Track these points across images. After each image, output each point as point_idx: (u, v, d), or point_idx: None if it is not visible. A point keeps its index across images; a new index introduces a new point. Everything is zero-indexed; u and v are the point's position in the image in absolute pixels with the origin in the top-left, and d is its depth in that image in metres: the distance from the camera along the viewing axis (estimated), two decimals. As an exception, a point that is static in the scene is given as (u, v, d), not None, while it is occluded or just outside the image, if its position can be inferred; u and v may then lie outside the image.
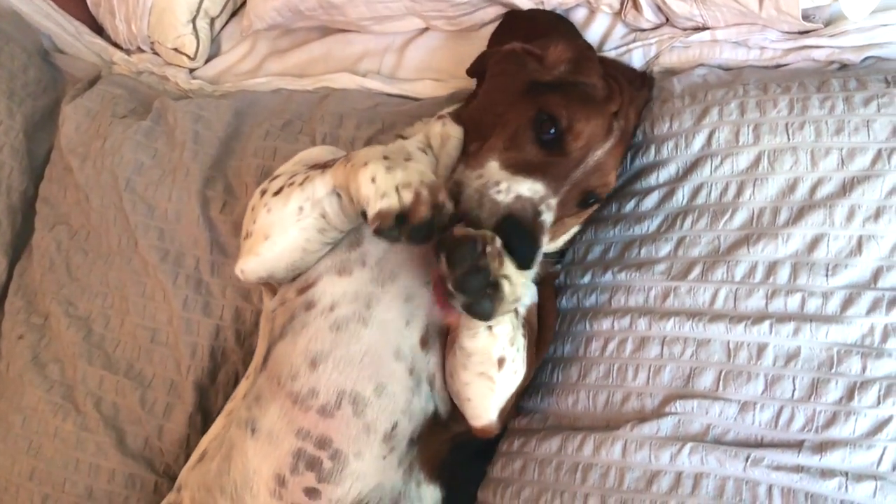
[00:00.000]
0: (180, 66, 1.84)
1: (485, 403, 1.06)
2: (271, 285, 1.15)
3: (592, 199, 1.15)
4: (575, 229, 1.27)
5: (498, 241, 0.92)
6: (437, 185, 0.91)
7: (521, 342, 1.05)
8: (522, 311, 1.07)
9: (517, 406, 1.17)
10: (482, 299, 0.89)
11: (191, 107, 1.58)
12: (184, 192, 1.48)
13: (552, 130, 1.08)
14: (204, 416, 1.38)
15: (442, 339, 1.09)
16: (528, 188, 1.02)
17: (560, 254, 1.28)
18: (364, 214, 0.92)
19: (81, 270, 1.56)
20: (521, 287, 0.94)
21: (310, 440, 1.01)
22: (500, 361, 1.03)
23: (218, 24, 1.86)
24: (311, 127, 1.51)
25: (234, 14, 1.89)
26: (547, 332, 1.17)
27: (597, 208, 1.24)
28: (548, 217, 1.03)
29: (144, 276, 1.48)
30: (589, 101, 1.12)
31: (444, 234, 0.92)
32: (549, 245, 1.19)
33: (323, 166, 1.02)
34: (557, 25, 1.38)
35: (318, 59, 1.74)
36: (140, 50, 1.91)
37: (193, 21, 1.77)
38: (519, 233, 0.98)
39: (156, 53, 1.89)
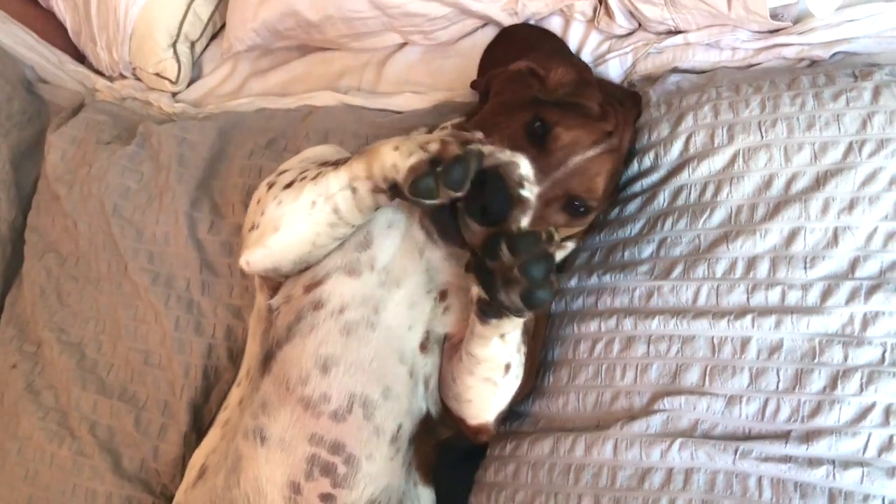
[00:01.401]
0: (163, 91, 1.85)
1: (486, 406, 1.09)
2: (271, 282, 1.13)
3: (582, 208, 1.14)
4: (571, 245, 1.26)
5: (557, 235, 0.91)
6: (457, 133, 0.91)
7: (524, 348, 1.07)
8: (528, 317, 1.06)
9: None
10: (544, 287, 0.88)
11: (175, 130, 1.58)
12: (171, 215, 1.49)
13: (541, 133, 1.10)
14: (198, 434, 1.37)
15: (439, 346, 1.11)
16: (516, 157, 1.02)
17: (558, 268, 1.27)
18: (394, 188, 0.91)
19: (72, 297, 1.56)
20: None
21: (323, 445, 1.01)
22: (507, 367, 1.05)
23: (198, 48, 1.87)
24: (296, 144, 1.51)
25: (214, 37, 1.90)
26: (538, 340, 1.18)
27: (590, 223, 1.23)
28: (527, 193, 1.01)
29: (135, 300, 1.48)
30: (583, 117, 1.14)
31: (500, 226, 0.91)
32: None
33: (334, 164, 1.02)
34: (552, 44, 1.40)
35: (299, 77, 1.75)
36: (122, 76, 1.92)
37: (174, 46, 1.78)
38: (498, 186, 0.97)
39: (138, 79, 1.90)
